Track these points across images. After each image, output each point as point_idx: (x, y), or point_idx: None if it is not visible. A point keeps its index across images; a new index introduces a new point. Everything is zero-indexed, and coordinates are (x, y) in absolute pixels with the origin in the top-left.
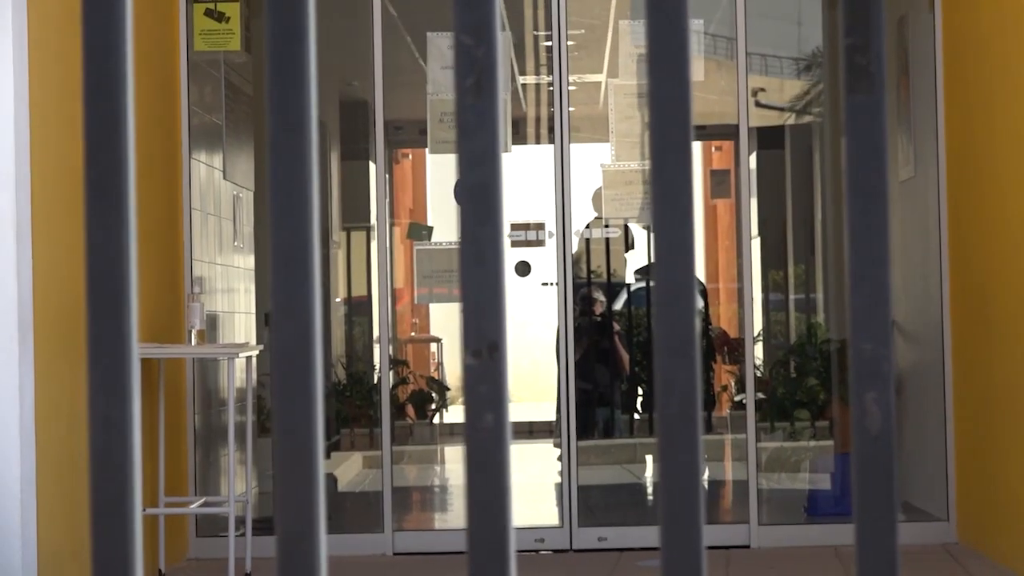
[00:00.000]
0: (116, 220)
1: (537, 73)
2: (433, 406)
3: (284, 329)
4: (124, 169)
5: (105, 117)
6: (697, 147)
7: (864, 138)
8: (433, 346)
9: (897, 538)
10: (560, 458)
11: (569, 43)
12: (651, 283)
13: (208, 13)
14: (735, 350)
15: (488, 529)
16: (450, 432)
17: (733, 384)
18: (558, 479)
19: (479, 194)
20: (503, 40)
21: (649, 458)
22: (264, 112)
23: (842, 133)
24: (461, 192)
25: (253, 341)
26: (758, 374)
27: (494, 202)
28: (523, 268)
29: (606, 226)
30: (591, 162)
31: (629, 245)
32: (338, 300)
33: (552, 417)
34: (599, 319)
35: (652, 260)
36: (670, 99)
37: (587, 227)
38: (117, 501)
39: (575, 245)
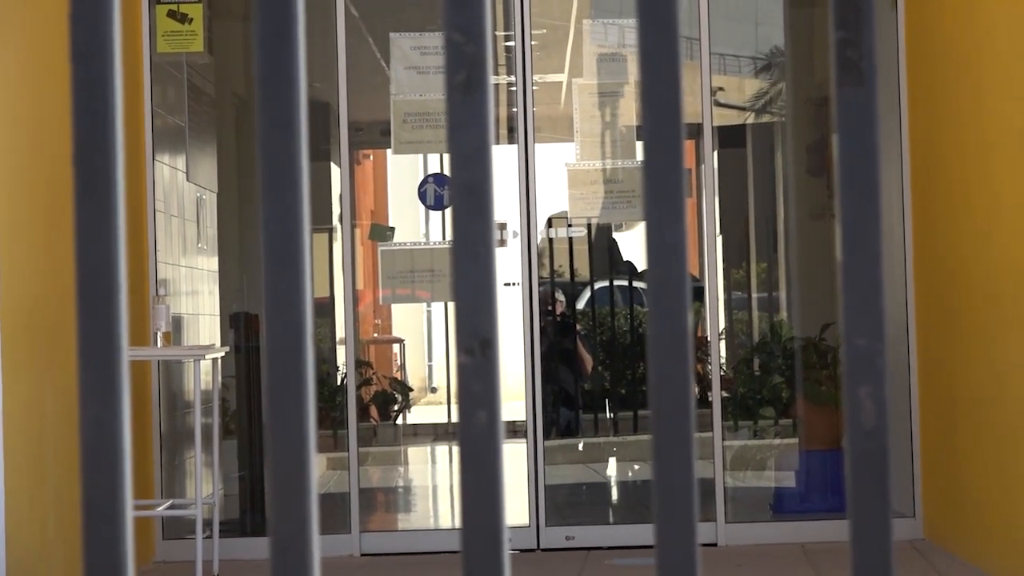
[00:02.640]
0: (106, 222)
1: (497, 73)
2: (396, 407)
3: (277, 328)
4: (113, 172)
5: (94, 120)
6: None
7: (856, 133)
8: (396, 347)
9: (891, 533)
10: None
11: (532, 43)
12: (632, 282)
13: (171, 14)
14: (698, 348)
15: (482, 526)
16: (413, 433)
17: (697, 382)
18: (524, 479)
19: (471, 191)
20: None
21: (612, 459)
22: (227, 113)
23: (833, 129)
24: (452, 189)
25: (218, 343)
26: (722, 372)
27: (486, 199)
28: None
29: (570, 225)
30: (554, 162)
31: (592, 245)
32: None
33: (515, 417)
34: (559, 319)
35: (626, 259)
36: (662, 97)
37: (549, 226)
38: (109, 501)
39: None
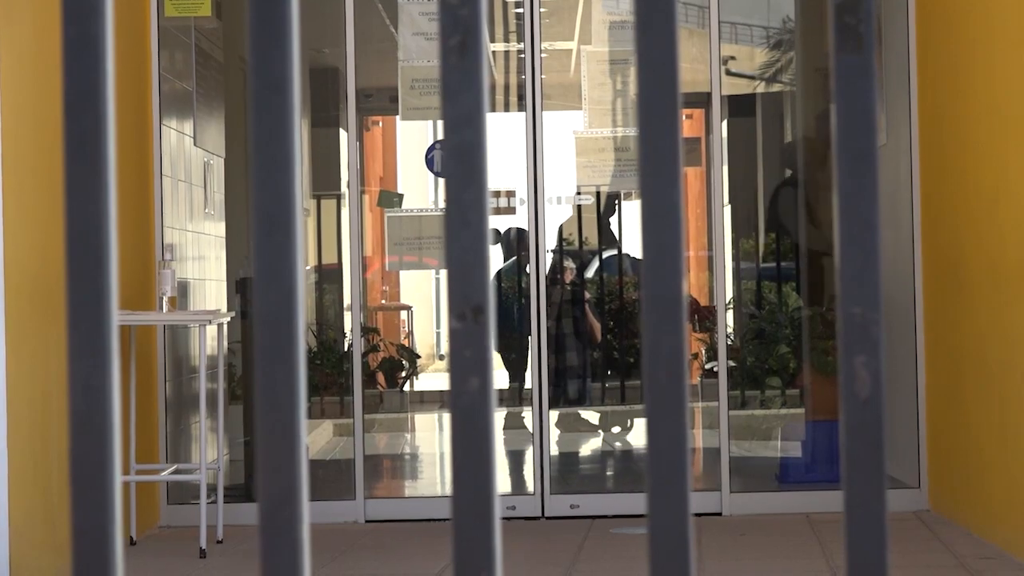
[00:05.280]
0: (95, 184)
1: (507, 40)
2: (403, 374)
3: (267, 293)
4: (103, 132)
5: (84, 80)
6: None
7: (854, 99)
8: (403, 314)
9: (886, 503)
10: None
11: (541, 10)
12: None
13: None
14: (705, 318)
15: (473, 493)
16: (420, 400)
17: (704, 352)
18: (529, 447)
19: (464, 155)
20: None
21: (618, 427)
22: (234, 78)
23: (831, 98)
24: (445, 153)
25: (224, 308)
26: (728, 342)
27: (479, 163)
28: (494, 236)
29: (578, 193)
30: (562, 129)
31: (609, 211)
32: (308, 268)
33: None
34: (570, 287)
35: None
36: (658, 62)
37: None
38: (97, 465)
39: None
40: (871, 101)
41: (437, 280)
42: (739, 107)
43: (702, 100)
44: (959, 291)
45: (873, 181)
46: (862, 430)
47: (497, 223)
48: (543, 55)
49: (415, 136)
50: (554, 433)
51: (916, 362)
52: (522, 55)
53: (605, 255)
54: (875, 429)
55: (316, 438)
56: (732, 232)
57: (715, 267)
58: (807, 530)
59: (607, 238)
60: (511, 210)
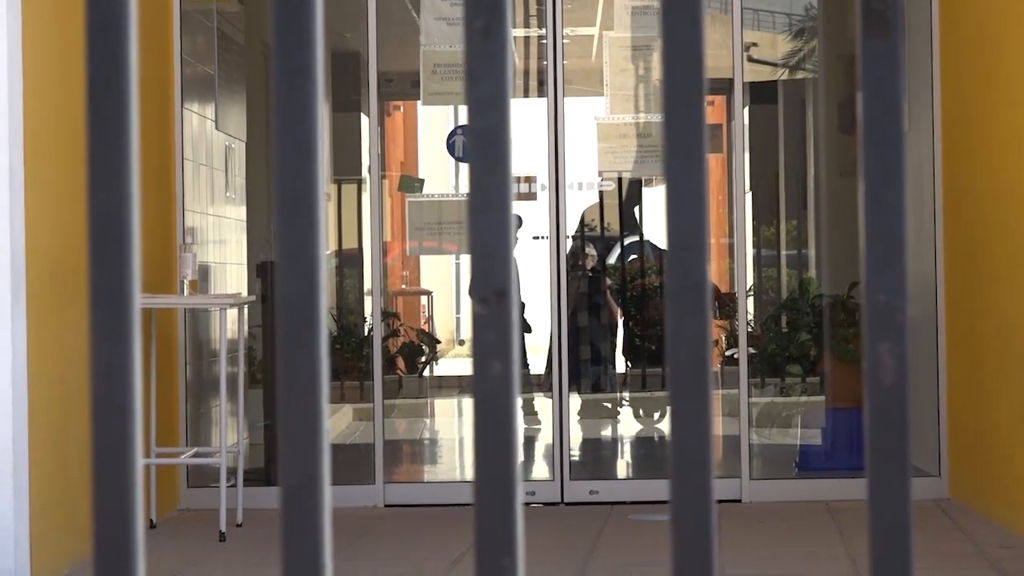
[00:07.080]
0: (118, 166)
1: (527, 26)
2: (423, 359)
3: (289, 276)
4: (127, 115)
5: (108, 62)
6: None
7: (880, 85)
8: (423, 299)
9: (910, 491)
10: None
11: None
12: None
13: None
14: (726, 305)
15: (495, 477)
16: (439, 385)
17: (724, 339)
18: (549, 432)
19: (487, 139)
20: None
21: (639, 414)
22: (256, 62)
23: (858, 85)
24: (469, 137)
25: (245, 292)
26: (749, 329)
27: (502, 147)
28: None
29: (601, 179)
30: (584, 115)
31: (632, 199)
32: (328, 253)
33: (541, 371)
34: (590, 274)
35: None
36: (684, 45)
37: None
38: (118, 448)
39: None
40: (898, 88)
41: (457, 265)
42: (761, 94)
43: (724, 87)
44: (981, 278)
45: (899, 168)
46: (887, 417)
47: (518, 209)
48: (565, 40)
49: (436, 121)
50: (574, 419)
51: (937, 349)
52: (544, 40)
53: (626, 241)
54: (900, 416)
55: (336, 423)
56: (753, 219)
57: (736, 254)
58: (826, 518)
59: (628, 225)
60: (532, 196)
